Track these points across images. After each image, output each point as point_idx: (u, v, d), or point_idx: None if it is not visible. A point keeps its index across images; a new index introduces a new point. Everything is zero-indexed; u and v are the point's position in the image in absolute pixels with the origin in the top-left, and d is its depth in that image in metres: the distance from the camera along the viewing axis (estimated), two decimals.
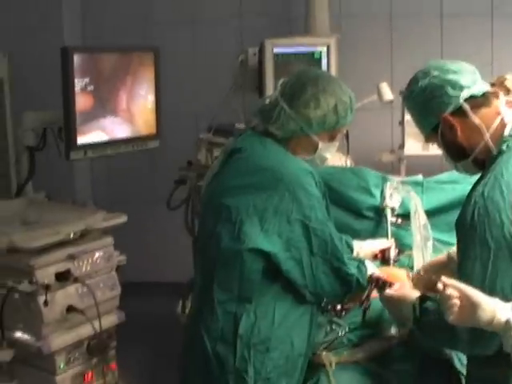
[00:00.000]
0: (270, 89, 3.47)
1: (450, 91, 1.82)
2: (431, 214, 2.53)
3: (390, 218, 2.54)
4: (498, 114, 1.82)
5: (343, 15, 4.48)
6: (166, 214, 3.58)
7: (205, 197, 2.12)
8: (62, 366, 2.58)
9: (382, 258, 2.39)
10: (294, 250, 1.94)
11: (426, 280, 2.14)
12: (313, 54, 3.64)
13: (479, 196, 1.71)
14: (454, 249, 2.00)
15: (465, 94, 1.81)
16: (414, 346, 2.06)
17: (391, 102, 3.75)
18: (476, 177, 1.84)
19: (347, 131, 3.34)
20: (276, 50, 3.57)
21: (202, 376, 2.00)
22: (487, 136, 1.81)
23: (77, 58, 2.93)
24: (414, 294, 1.91)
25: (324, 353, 2.11)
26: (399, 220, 2.57)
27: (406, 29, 4.53)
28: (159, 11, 4.76)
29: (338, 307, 2.21)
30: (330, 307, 2.20)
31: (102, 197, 4.57)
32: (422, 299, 1.83)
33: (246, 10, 4.67)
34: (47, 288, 2.44)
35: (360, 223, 2.59)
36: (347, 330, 2.16)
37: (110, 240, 2.78)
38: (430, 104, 1.85)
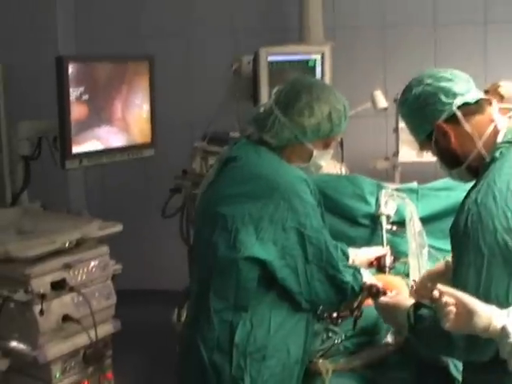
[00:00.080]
0: (265, 97, 3.47)
1: (444, 98, 1.82)
2: (426, 221, 2.54)
3: (386, 226, 2.54)
4: (492, 121, 1.82)
5: (337, 25, 4.49)
6: (161, 223, 3.58)
7: (200, 205, 2.12)
8: (57, 376, 2.57)
9: (378, 265, 2.38)
10: (289, 257, 1.93)
11: (424, 287, 2.14)
12: (307, 62, 3.65)
13: (472, 203, 1.72)
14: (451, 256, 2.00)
15: (458, 101, 1.82)
16: (411, 353, 2.05)
17: (385, 109, 3.77)
18: (471, 184, 1.84)
19: (341, 139, 3.36)
20: (270, 58, 3.57)
21: None
22: (480, 144, 1.81)
23: (72, 68, 2.94)
24: (409, 301, 1.91)
25: (320, 360, 2.10)
26: (394, 227, 2.58)
27: (399, 37, 4.55)
28: (153, 21, 4.76)
29: (334, 315, 2.20)
30: (326, 315, 2.20)
31: (97, 206, 4.55)
32: (417, 306, 1.83)
33: (240, 19, 4.67)
34: (43, 297, 2.44)
35: (355, 231, 2.60)
36: (343, 337, 2.16)
37: (105, 249, 2.78)
38: (423, 111, 1.85)
